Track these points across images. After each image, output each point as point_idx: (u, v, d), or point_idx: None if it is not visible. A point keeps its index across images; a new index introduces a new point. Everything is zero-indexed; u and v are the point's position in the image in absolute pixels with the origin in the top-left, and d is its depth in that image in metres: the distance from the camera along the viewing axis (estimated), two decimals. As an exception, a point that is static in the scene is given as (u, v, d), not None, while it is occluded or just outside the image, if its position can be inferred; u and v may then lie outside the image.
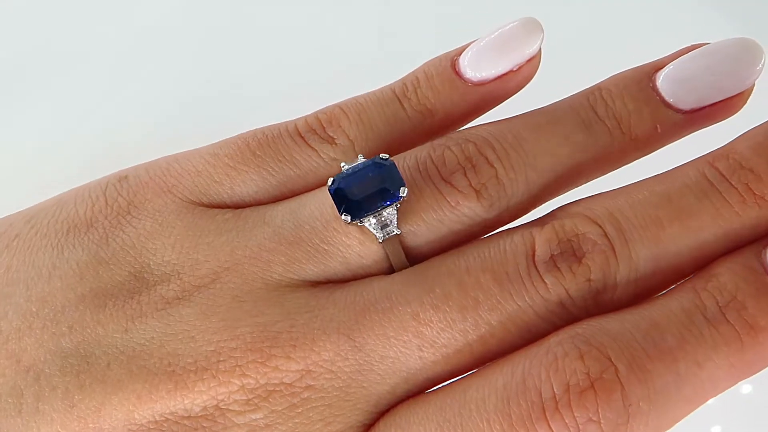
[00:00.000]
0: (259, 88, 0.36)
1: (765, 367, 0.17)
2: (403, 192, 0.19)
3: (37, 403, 0.18)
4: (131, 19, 0.38)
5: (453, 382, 0.18)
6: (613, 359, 0.16)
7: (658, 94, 0.20)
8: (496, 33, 0.21)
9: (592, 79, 0.22)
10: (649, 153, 0.21)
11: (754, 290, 0.17)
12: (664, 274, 0.18)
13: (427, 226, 0.19)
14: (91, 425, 0.18)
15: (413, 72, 0.22)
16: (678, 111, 0.20)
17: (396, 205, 0.19)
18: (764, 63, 0.19)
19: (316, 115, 0.21)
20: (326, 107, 0.22)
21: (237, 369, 0.18)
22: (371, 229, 0.19)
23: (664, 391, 0.16)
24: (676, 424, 0.17)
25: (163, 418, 0.18)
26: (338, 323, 0.18)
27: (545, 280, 0.18)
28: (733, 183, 0.18)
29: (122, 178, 0.21)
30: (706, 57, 0.20)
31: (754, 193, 0.18)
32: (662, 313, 0.17)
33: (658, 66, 0.21)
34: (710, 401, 0.29)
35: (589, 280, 0.18)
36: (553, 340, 0.17)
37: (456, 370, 0.18)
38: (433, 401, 0.18)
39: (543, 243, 0.18)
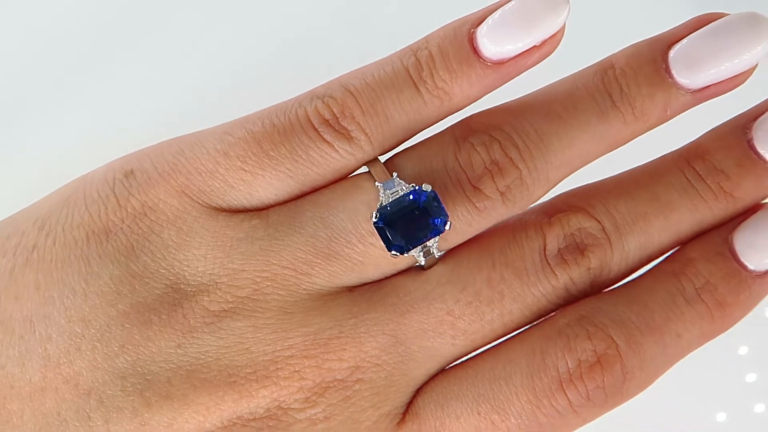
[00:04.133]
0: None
1: (727, 330, 0.21)
2: (448, 226, 0.20)
3: (108, 426, 0.19)
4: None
5: (476, 356, 0.21)
6: (614, 337, 0.20)
7: (671, 76, 0.20)
8: (517, 1, 0.20)
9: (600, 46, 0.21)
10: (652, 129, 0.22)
11: (724, 274, 0.21)
12: (649, 258, 0.22)
13: (457, 231, 0.21)
14: None
15: (427, 44, 0.20)
16: (687, 91, 0.21)
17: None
18: None
19: (326, 102, 0.20)
20: (335, 88, 0.20)
21: (296, 374, 0.20)
22: (414, 256, 0.20)
23: (652, 358, 0.20)
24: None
25: (231, 423, 0.20)
26: (382, 325, 0.20)
27: (555, 272, 0.21)
28: (708, 183, 0.21)
29: (128, 173, 0.20)
30: (718, 36, 0.20)
31: (725, 191, 0.21)
32: (650, 296, 0.21)
33: (671, 41, 0.21)
34: (723, 418, 0.31)
35: (589, 268, 0.21)
36: (562, 322, 0.21)
37: (480, 348, 0.21)
38: (465, 378, 0.21)
39: (552, 239, 0.21)
